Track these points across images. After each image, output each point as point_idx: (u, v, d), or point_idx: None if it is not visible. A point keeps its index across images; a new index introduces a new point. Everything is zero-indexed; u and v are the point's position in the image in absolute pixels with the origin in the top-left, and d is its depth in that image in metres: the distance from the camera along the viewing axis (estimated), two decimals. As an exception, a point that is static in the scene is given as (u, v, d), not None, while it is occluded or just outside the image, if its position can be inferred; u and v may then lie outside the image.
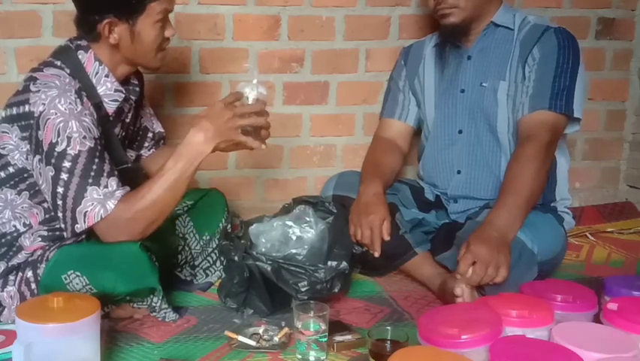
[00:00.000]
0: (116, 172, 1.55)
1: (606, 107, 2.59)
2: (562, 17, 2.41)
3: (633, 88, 2.59)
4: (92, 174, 1.49)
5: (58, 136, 1.47)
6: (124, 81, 1.67)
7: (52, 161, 1.48)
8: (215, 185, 2.13)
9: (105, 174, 1.51)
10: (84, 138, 1.49)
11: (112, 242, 1.52)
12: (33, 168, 1.53)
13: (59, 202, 1.49)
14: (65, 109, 1.48)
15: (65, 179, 1.48)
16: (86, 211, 1.48)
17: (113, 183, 1.51)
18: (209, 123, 1.53)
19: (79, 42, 1.60)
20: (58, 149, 1.47)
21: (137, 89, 1.76)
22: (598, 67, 2.52)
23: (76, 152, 1.48)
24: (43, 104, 1.47)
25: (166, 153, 1.91)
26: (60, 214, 1.51)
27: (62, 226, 1.53)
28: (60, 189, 1.48)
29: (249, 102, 1.57)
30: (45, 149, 1.48)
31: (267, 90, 1.60)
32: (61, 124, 1.47)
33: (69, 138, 1.47)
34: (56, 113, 1.47)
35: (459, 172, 1.98)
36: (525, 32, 1.89)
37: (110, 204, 1.49)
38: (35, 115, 1.48)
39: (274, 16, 2.23)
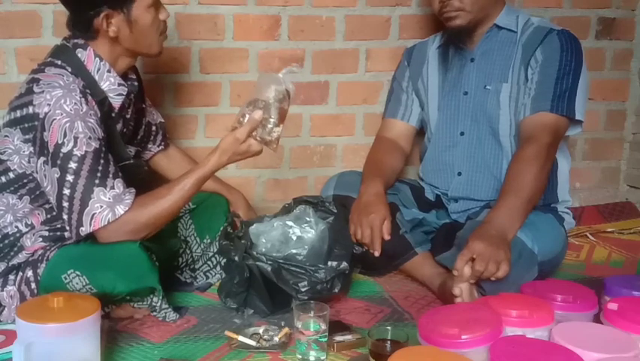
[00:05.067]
0: (120, 173, 1.55)
1: (606, 107, 2.58)
2: (562, 17, 2.40)
3: (633, 88, 2.59)
4: (99, 175, 1.49)
5: (65, 137, 1.46)
6: (122, 77, 1.66)
7: (58, 162, 1.47)
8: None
9: (111, 175, 1.51)
10: (89, 138, 1.48)
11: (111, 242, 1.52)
12: (37, 170, 1.52)
13: (65, 204, 1.49)
14: (71, 109, 1.47)
15: (71, 181, 1.47)
16: (94, 213, 1.48)
17: (119, 184, 1.51)
18: (226, 156, 1.57)
19: (75, 40, 1.59)
20: (65, 150, 1.47)
21: (136, 83, 1.76)
22: (598, 67, 2.51)
23: (83, 153, 1.47)
24: (49, 104, 1.47)
25: (178, 159, 1.97)
26: (65, 216, 1.50)
27: (67, 228, 1.52)
28: (66, 191, 1.48)
29: (270, 100, 1.54)
30: (51, 150, 1.47)
31: (293, 86, 1.57)
32: (68, 124, 1.46)
33: (75, 139, 1.47)
34: (62, 114, 1.47)
35: (460, 174, 1.98)
36: (528, 34, 1.88)
37: (119, 210, 1.49)
38: (40, 116, 1.47)
39: (274, 16, 2.22)
